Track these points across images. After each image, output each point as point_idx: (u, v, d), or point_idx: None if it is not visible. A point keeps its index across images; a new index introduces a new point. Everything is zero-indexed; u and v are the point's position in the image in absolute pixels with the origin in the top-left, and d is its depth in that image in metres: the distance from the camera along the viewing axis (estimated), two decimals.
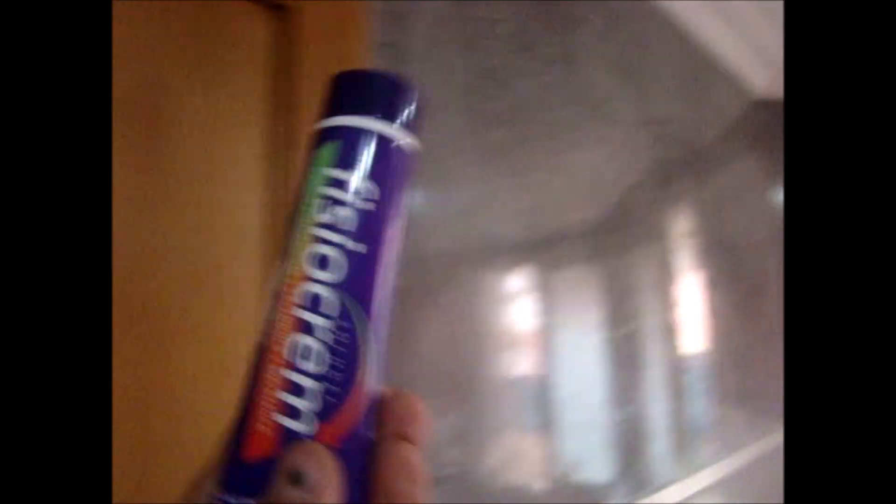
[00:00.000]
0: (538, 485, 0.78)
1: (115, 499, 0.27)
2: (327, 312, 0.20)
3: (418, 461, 0.20)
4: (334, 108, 0.21)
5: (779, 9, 1.47)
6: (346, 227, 0.20)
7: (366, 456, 0.20)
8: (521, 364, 0.79)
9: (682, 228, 1.33)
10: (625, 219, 1.10)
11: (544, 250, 0.86)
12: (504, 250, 0.80)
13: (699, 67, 1.51)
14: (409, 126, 0.22)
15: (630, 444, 0.98)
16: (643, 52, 1.28)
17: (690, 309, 1.25)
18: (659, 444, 1.06)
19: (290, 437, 0.20)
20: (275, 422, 0.20)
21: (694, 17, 1.37)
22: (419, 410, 0.21)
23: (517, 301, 0.81)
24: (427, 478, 0.20)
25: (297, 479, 0.18)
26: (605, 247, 1.02)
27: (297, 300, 0.20)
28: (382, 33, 0.65)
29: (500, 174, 0.80)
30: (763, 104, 1.88)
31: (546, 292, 0.86)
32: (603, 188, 1.06)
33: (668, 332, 1.18)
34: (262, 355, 0.20)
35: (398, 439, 0.21)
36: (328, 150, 0.21)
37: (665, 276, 1.21)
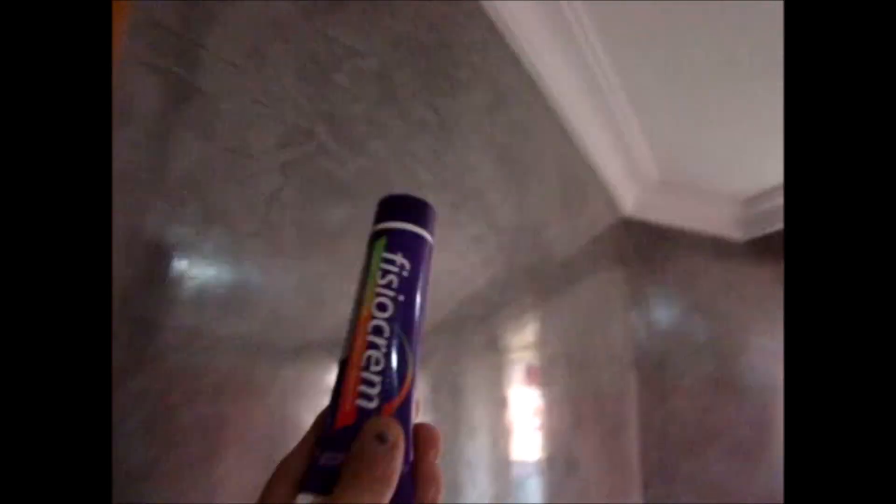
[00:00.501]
0: None
1: None
2: (386, 336, 0.34)
3: (440, 473, 0.32)
4: (386, 216, 0.37)
5: (657, 126, 1.51)
6: (394, 286, 0.35)
7: (410, 421, 0.34)
8: None
9: (529, 339, 1.23)
10: (463, 322, 0.95)
11: None
12: (328, 346, 0.65)
13: (578, 171, 1.44)
14: (427, 227, 0.37)
15: None
16: (525, 142, 1.21)
17: (526, 419, 1.15)
18: None
19: (365, 413, 0.33)
20: (355, 404, 0.33)
21: (574, 116, 1.35)
22: (438, 435, 0.34)
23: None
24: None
25: (381, 438, 0.30)
26: (441, 348, 0.89)
27: (368, 330, 0.34)
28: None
29: (331, 261, 0.65)
30: (629, 223, 1.92)
31: None
32: (454, 287, 0.92)
33: (498, 436, 1.04)
34: (345, 366, 0.34)
35: (427, 457, 0.32)
36: (383, 241, 0.36)
37: (500, 386, 1.07)
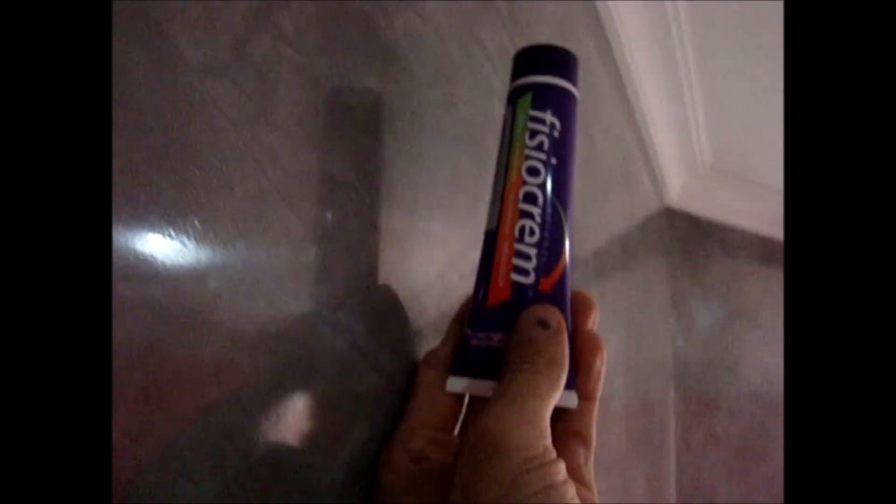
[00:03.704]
0: None
1: None
2: (540, 204, 0.29)
3: (601, 338, 0.30)
4: (526, 70, 0.32)
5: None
6: (545, 148, 0.30)
7: (568, 297, 0.29)
8: None
9: None
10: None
11: None
12: None
13: (629, 145, 1.29)
14: (573, 81, 0.33)
15: None
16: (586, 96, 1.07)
17: None
18: None
19: (520, 288, 0.29)
20: (510, 278, 0.29)
21: (640, 82, 1.24)
22: (594, 302, 0.31)
23: None
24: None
25: (545, 324, 0.28)
26: None
27: (519, 198, 0.30)
28: None
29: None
30: (673, 214, 1.74)
31: None
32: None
33: None
34: (494, 237, 0.29)
35: (585, 326, 0.30)
36: (528, 97, 0.31)
37: None
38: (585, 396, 0.29)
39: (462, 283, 0.40)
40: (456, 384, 0.29)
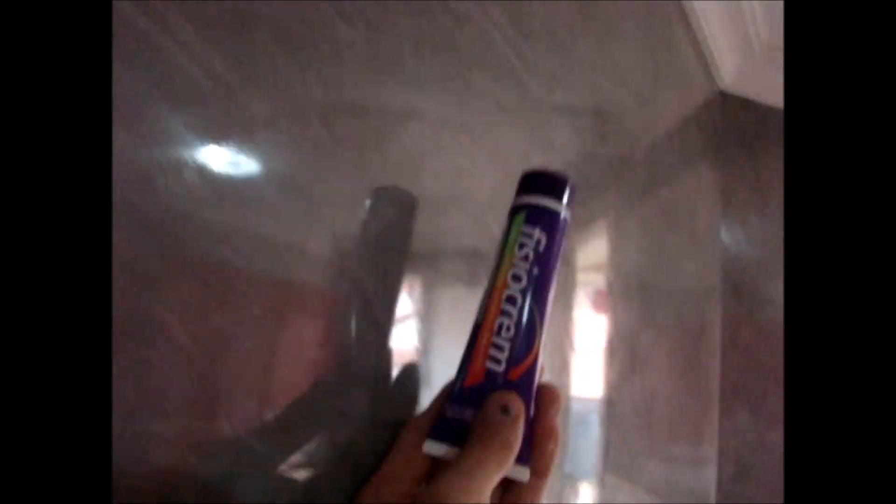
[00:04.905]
0: None
1: None
2: (518, 305, 0.36)
3: (558, 429, 0.36)
4: (526, 190, 0.38)
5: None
6: (529, 259, 0.36)
7: (533, 387, 0.36)
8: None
9: (597, 258, 0.96)
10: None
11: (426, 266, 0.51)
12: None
13: (671, 22, 1.08)
14: (567, 202, 0.38)
15: None
16: None
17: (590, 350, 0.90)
18: None
19: (492, 374, 0.36)
20: (485, 365, 0.36)
21: None
22: (558, 395, 0.37)
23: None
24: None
25: (505, 410, 0.34)
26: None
27: (502, 298, 0.36)
28: None
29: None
30: (727, 99, 1.51)
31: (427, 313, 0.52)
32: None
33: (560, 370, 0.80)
34: (478, 329, 0.36)
35: (547, 415, 0.36)
36: (522, 215, 0.37)
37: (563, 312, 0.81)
38: (537, 474, 0.35)
39: None
40: (430, 447, 0.34)
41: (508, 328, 0.36)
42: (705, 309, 1.35)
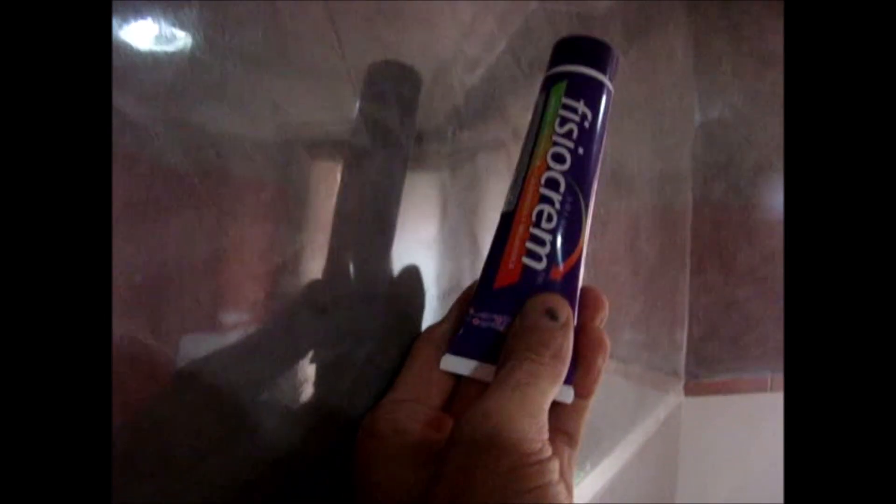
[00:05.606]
0: None
1: None
2: (561, 191, 0.30)
3: (606, 338, 0.30)
4: (564, 59, 0.31)
5: None
6: (573, 136, 0.30)
7: (578, 290, 0.31)
8: None
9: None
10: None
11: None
12: None
13: None
14: (610, 75, 0.31)
15: None
16: None
17: None
18: None
19: (530, 273, 0.30)
20: (521, 262, 0.30)
21: None
22: (604, 300, 0.31)
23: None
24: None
25: (553, 314, 0.28)
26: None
27: (541, 182, 0.30)
28: None
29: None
30: None
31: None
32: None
33: None
34: (510, 219, 0.30)
35: (593, 323, 0.30)
36: (563, 85, 0.30)
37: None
38: (582, 394, 0.28)
39: None
40: (452, 363, 0.29)
41: (550, 217, 0.30)
42: (681, 157, 1.28)
